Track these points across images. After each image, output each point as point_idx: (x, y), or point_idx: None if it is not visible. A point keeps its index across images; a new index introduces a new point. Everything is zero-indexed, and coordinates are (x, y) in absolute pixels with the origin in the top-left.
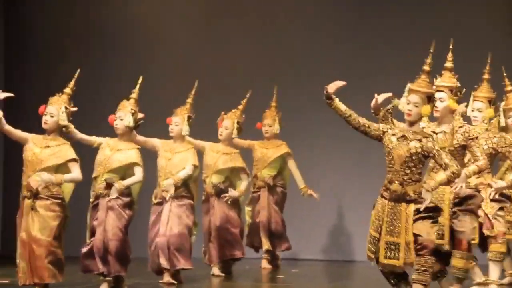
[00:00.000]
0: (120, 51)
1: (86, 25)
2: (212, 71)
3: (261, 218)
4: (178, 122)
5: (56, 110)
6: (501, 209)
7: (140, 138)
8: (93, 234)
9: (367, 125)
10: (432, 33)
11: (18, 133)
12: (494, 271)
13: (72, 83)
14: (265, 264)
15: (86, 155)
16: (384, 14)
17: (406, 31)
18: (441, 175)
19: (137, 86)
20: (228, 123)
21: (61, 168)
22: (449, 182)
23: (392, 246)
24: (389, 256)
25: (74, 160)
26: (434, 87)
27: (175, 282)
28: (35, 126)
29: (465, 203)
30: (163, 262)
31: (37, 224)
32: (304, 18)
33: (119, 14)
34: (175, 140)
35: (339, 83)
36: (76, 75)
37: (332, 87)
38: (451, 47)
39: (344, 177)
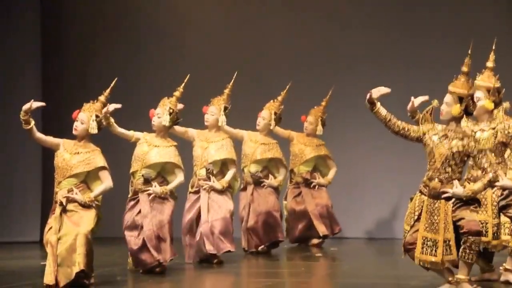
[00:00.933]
0: (157, 41)
1: (121, 15)
2: (252, 62)
3: (310, 208)
4: (214, 111)
5: (87, 117)
6: None
7: (179, 129)
8: (129, 227)
9: (406, 129)
10: (475, 31)
11: (49, 140)
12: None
13: (107, 91)
14: (315, 241)
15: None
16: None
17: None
18: (478, 184)
19: (182, 85)
20: (265, 113)
21: (91, 174)
22: (484, 189)
23: (429, 243)
24: (426, 252)
25: (104, 168)
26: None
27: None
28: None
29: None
30: (209, 248)
31: (74, 218)
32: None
33: (153, 4)
34: (210, 129)
35: (384, 90)
36: (113, 84)
37: (376, 92)
38: (493, 47)
39: (388, 157)
